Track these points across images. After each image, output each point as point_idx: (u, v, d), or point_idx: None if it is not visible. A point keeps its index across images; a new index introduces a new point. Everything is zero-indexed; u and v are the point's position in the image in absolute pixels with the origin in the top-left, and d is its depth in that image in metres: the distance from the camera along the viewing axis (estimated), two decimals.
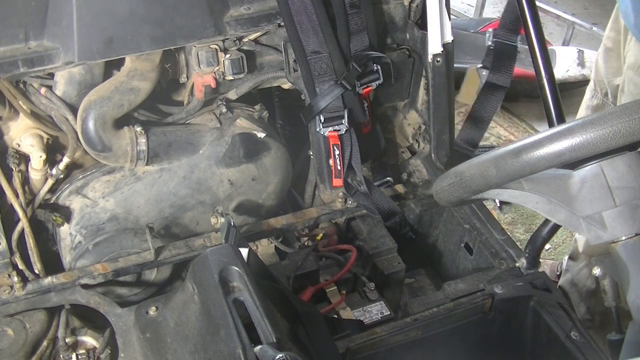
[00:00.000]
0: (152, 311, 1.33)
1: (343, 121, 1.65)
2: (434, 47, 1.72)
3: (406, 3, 1.76)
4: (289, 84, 1.73)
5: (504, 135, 3.52)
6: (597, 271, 1.09)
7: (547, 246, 2.80)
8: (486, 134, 3.53)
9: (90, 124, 1.52)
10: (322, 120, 1.65)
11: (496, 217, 2.51)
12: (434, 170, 1.84)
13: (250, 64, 1.66)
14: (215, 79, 1.63)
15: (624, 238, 0.97)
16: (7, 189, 1.52)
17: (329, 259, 1.67)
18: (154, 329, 1.30)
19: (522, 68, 3.55)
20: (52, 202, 1.64)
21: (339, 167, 1.70)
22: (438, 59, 1.73)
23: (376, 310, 1.55)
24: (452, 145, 1.88)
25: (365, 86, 1.69)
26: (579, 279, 2.29)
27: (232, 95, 1.72)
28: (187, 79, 1.67)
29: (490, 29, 1.91)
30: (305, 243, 1.76)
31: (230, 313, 1.09)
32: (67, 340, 1.49)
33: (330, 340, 1.30)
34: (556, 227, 1.49)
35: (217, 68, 1.61)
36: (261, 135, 1.72)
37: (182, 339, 1.21)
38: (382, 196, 1.73)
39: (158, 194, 1.64)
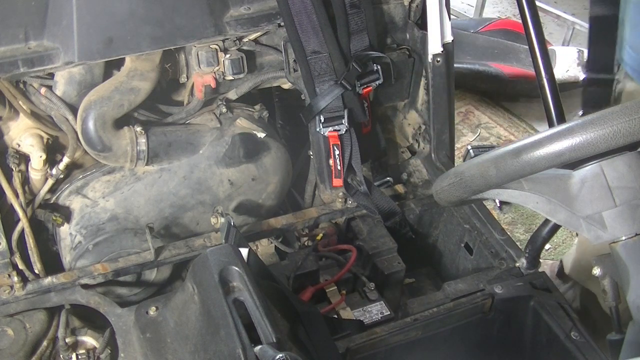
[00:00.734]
0: (152, 311, 1.33)
1: (343, 121, 1.65)
2: (434, 47, 1.72)
3: (406, 3, 1.76)
4: (289, 84, 1.73)
5: (504, 135, 3.52)
6: (597, 271, 1.09)
7: (547, 246, 2.80)
8: (486, 134, 3.55)
9: (90, 124, 1.52)
10: (322, 120, 1.65)
11: (496, 217, 2.51)
12: (434, 170, 1.84)
13: (250, 64, 1.66)
14: (215, 79, 1.63)
15: (624, 238, 0.97)
16: (7, 189, 1.52)
17: (329, 259, 1.67)
18: (154, 329, 1.30)
19: (522, 68, 3.56)
20: (52, 202, 1.63)
21: (339, 167, 1.70)
22: (438, 59, 1.73)
23: (376, 310, 1.55)
24: (453, 145, 1.88)
25: (365, 86, 1.69)
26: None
27: (232, 95, 1.72)
28: (187, 79, 1.67)
29: None
30: (305, 243, 1.76)
31: (230, 313, 1.09)
32: (67, 340, 1.49)
33: (330, 340, 1.30)
34: (556, 227, 1.49)
35: (217, 68, 1.61)
36: (261, 135, 1.72)
37: (182, 339, 1.21)
38: (382, 196, 1.73)
39: (158, 194, 1.64)
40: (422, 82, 1.81)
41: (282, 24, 1.61)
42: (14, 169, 1.54)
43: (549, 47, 3.22)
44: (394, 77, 1.74)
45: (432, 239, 1.87)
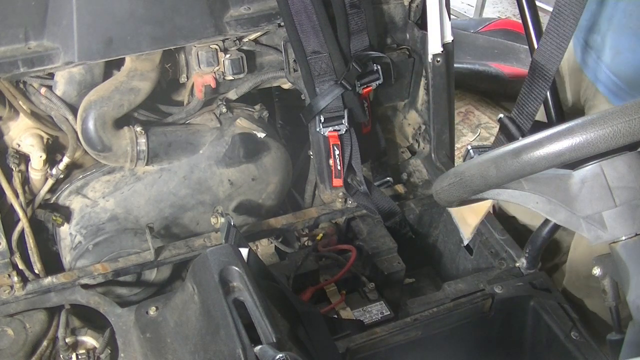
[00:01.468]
0: (152, 311, 1.33)
1: (343, 121, 1.65)
2: (434, 47, 1.72)
3: (406, 3, 1.76)
4: (289, 84, 1.73)
5: None
6: (597, 271, 1.08)
7: None
8: (486, 134, 3.55)
9: (90, 124, 1.52)
10: (322, 120, 1.65)
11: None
12: (434, 170, 1.84)
13: (250, 64, 1.66)
14: (215, 79, 1.63)
15: (624, 238, 0.97)
16: (7, 189, 1.52)
17: (329, 259, 1.67)
18: (154, 329, 1.30)
19: (522, 68, 3.56)
20: (52, 202, 1.64)
21: (339, 167, 1.70)
22: (438, 59, 1.73)
23: (376, 310, 1.55)
24: (453, 145, 1.88)
25: (365, 86, 1.69)
26: None
27: (232, 95, 1.72)
28: (187, 79, 1.67)
29: None
30: (305, 243, 1.76)
31: (230, 313, 1.09)
32: (67, 340, 1.49)
33: (330, 340, 1.30)
34: (556, 227, 1.49)
35: (217, 68, 1.61)
36: (261, 135, 1.72)
37: (182, 339, 1.21)
38: (382, 196, 1.73)
39: (158, 194, 1.64)
40: (422, 82, 1.81)
41: (282, 24, 1.61)
42: (14, 169, 1.54)
43: None
44: (394, 77, 1.74)
45: (432, 239, 1.87)
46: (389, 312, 1.54)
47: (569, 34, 1.35)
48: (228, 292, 1.14)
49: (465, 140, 3.54)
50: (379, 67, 1.69)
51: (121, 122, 1.58)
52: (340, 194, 1.73)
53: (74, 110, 1.56)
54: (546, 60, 1.40)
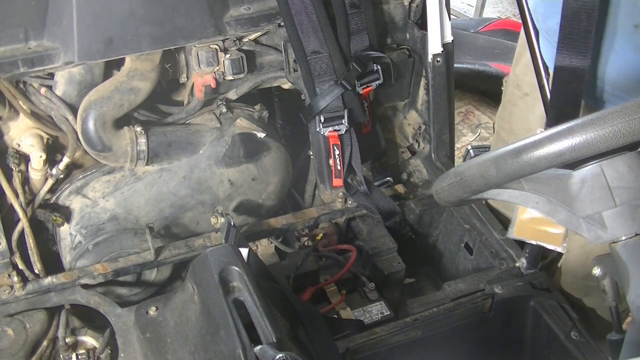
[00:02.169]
0: (152, 311, 1.33)
1: (343, 121, 1.65)
2: (434, 47, 1.72)
3: (406, 3, 1.76)
4: (289, 84, 1.73)
5: None
6: (597, 271, 1.09)
7: None
8: (486, 134, 3.55)
9: (90, 124, 1.52)
10: (322, 120, 1.65)
11: None
12: (434, 170, 1.84)
13: (250, 64, 1.66)
14: (215, 79, 1.63)
15: (624, 238, 0.97)
16: (7, 189, 1.52)
17: (329, 259, 1.67)
18: (154, 329, 1.30)
19: None
20: (52, 202, 1.64)
21: (339, 167, 1.70)
22: (438, 59, 1.73)
23: (376, 310, 1.55)
24: (453, 145, 1.88)
25: (365, 86, 1.69)
26: None
27: (232, 95, 1.72)
28: (187, 79, 1.67)
29: None
30: (305, 243, 1.76)
31: (230, 313, 1.09)
32: (67, 340, 1.49)
33: (330, 340, 1.30)
34: None
35: (217, 68, 1.61)
36: (261, 135, 1.72)
37: (182, 339, 1.21)
38: (382, 196, 1.73)
39: (158, 194, 1.64)
40: (422, 82, 1.81)
41: (282, 24, 1.61)
42: (14, 169, 1.54)
43: None
44: (394, 77, 1.74)
45: (432, 239, 1.87)
46: (389, 312, 1.54)
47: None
48: (228, 292, 1.14)
49: (465, 140, 3.54)
50: (379, 67, 1.69)
51: (121, 122, 1.58)
52: (340, 194, 1.73)
53: (74, 110, 1.56)
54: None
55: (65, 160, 1.58)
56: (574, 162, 0.95)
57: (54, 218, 1.58)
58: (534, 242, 1.37)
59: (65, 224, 1.61)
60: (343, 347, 1.33)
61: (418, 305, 1.48)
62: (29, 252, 1.54)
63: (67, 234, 1.61)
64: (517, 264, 1.55)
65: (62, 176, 1.62)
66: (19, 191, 1.53)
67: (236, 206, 1.72)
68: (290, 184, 1.85)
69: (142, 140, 1.59)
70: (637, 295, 0.96)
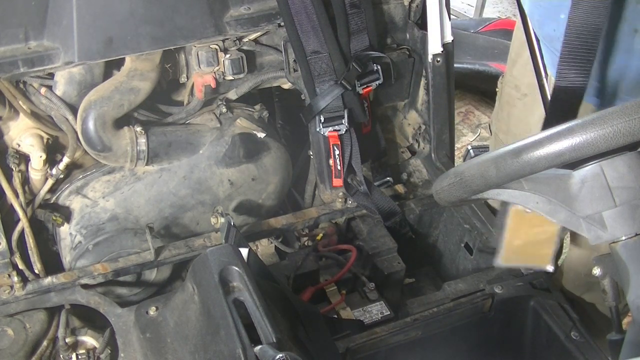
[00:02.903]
0: (152, 311, 1.33)
1: (343, 121, 1.65)
2: (434, 47, 1.72)
3: (406, 3, 1.76)
4: (289, 84, 1.73)
5: None
6: (597, 271, 1.09)
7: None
8: (486, 134, 3.55)
9: (90, 124, 1.52)
10: (322, 120, 1.65)
11: None
12: (434, 170, 1.84)
13: (250, 64, 1.66)
14: (215, 79, 1.63)
15: (624, 238, 0.97)
16: (7, 189, 1.52)
17: (329, 259, 1.67)
18: (154, 329, 1.30)
19: None
20: (52, 202, 1.63)
21: (339, 167, 1.70)
22: (438, 59, 1.73)
23: (376, 310, 1.55)
24: (453, 145, 1.88)
25: (365, 86, 1.69)
26: None
27: (232, 95, 1.72)
28: (187, 79, 1.67)
29: None
30: (305, 243, 1.76)
31: (230, 313, 1.09)
32: (67, 340, 1.49)
33: (330, 340, 1.30)
34: None
35: (217, 68, 1.61)
36: (261, 135, 1.72)
37: (182, 339, 1.21)
38: (382, 196, 1.73)
39: (158, 194, 1.64)
40: (422, 82, 1.81)
41: (282, 24, 1.61)
42: (14, 169, 1.54)
43: None
44: (394, 77, 1.74)
45: (432, 239, 1.87)
46: (389, 312, 1.54)
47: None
48: (228, 292, 1.14)
49: (465, 140, 3.54)
50: (379, 67, 1.69)
51: (121, 122, 1.58)
52: (340, 194, 1.73)
53: (74, 110, 1.56)
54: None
55: (65, 160, 1.58)
56: (574, 162, 0.95)
57: (54, 218, 1.58)
58: (522, 267, 1.36)
59: (65, 224, 1.61)
60: (343, 347, 1.33)
61: (418, 305, 1.48)
62: (29, 252, 1.54)
63: (67, 234, 1.61)
64: None
65: (62, 176, 1.62)
66: (19, 191, 1.53)
67: (236, 206, 1.72)
68: (290, 184, 1.85)
69: (142, 140, 1.59)
70: (637, 295, 0.96)
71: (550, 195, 1.00)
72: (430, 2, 1.68)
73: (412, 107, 1.90)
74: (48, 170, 1.59)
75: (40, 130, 1.58)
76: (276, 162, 1.75)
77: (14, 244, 1.51)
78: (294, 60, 1.65)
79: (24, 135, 1.56)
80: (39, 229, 1.62)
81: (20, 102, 1.54)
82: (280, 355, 1.01)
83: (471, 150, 3.13)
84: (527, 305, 1.46)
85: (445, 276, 1.84)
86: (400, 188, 1.83)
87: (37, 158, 1.56)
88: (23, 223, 1.52)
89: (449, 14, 1.72)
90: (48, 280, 1.50)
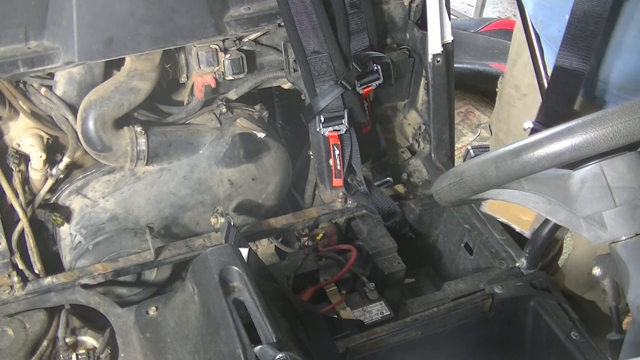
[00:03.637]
0: (152, 311, 1.33)
1: (343, 121, 1.65)
2: (434, 47, 1.72)
3: (406, 3, 1.76)
4: (289, 84, 1.73)
5: None
6: (597, 271, 1.09)
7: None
8: (486, 134, 3.55)
9: (90, 124, 1.52)
10: (322, 120, 1.65)
11: None
12: (434, 170, 1.84)
13: (250, 64, 1.66)
14: (215, 79, 1.63)
15: (624, 238, 0.97)
16: (7, 189, 1.52)
17: (329, 259, 1.67)
18: (154, 329, 1.30)
19: None
20: (52, 202, 1.64)
21: (339, 167, 1.70)
22: (438, 59, 1.73)
23: (376, 310, 1.55)
24: (453, 145, 1.88)
25: (365, 86, 1.69)
26: None
27: (232, 95, 1.72)
28: (187, 79, 1.67)
29: None
30: (305, 243, 1.76)
31: (230, 313, 1.09)
32: (67, 340, 1.49)
33: (330, 340, 1.30)
34: (556, 227, 1.49)
35: (217, 68, 1.61)
36: (261, 135, 1.72)
37: (182, 339, 1.21)
38: (382, 196, 1.73)
39: (158, 194, 1.64)
40: (422, 82, 1.81)
41: (282, 24, 1.61)
42: (14, 169, 1.54)
43: None
44: (394, 77, 1.74)
45: (432, 239, 1.87)
46: (389, 312, 1.54)
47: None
48: (228, 292, 1.14)
49: (465, 140, 3.54)
50: (379, 67, 1.69)
51: (121, 122, 1.58)
52: (340, 194, 1.73)
53: (74, 110, 1.56)
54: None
55: (65, 160, 1.58)
56: (574, 162, 0.95)
57: (54, 218, 1.58)
58: (503, 221, 1.38)
59: (65, 224, 1.61)
60: (343, 347, 1.33)
61: (418, 305, 1.48)
62: (29, 252, 1.54)
63: (67, 234, 1.61)
64: (517, 264, 1.55)
65: (62, 176, 1.62)
66: (19, 191, 1.53)
67: (236, 206, 1.72)
68: (290, 184, 1.85)
69: (142, 140, 1.59)
70: (637, 295, 0.96)
71: (550, 195, 1.00)
72: (430, 2, 1.68)
73: (412, 107, 1.90)
74: (48, 170, 1.59)
75: (40, 130, 1.58)
76: (276, 162, 1.75)
77: (14, 244, 1.51)
78: (294, 60, 1.65)
79: (24, 135, 1.56)
80: (39, 229, 1.63)
81: (20, 102, 1.54)
82: (280, 355, 1.01)
83: (471, 150, 3.13)
84: (527, 305, 1.46)
85: (445, 276, 1.84)
86: (400, 188, 1.83)
87: (37, 158, 1.56)
88: (23, 223, 1.52)
89: (449, 14, 1.72)
90: (48, 280, 1.50)
